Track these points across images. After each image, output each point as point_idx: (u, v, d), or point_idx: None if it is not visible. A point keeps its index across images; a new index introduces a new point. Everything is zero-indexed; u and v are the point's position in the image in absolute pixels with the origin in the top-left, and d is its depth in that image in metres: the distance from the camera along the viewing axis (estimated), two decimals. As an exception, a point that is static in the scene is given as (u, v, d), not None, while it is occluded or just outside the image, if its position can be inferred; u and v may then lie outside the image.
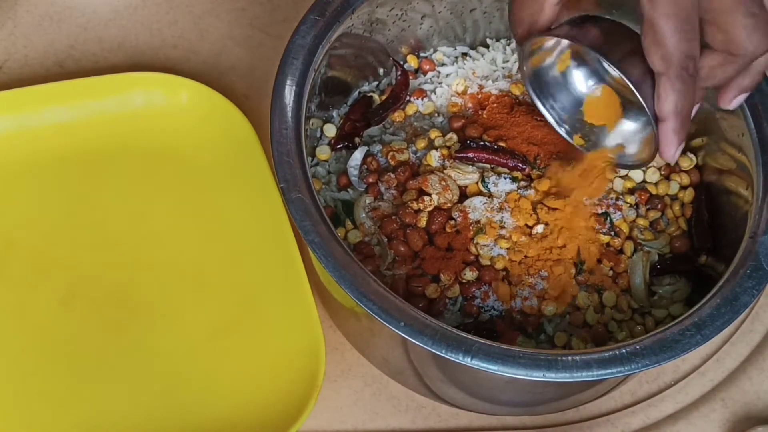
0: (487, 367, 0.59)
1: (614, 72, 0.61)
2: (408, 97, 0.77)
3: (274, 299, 0.72)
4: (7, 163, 0.76)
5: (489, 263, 0.69)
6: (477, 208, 0.70)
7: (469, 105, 0.76)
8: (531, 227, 0.70)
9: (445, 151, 0.72)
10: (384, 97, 0.77)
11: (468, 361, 0.59)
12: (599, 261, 0.70)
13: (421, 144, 0.74)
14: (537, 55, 0.65)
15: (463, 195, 0.71)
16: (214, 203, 0.77)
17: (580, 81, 0.67)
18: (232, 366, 0.71)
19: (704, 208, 0.73)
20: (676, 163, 0.75)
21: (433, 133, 0.74)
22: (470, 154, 0.72)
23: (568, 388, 0.68)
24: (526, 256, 0.69)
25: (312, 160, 0.74)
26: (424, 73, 0.79)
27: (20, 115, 0.77)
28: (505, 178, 0.71)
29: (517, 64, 0.78)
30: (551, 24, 0.62)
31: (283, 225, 0.72)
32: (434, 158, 0.72)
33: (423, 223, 0.70)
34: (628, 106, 0.65)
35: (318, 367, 0.68)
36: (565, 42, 0.64)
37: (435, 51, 0.79)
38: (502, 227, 0.69)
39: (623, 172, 0.73)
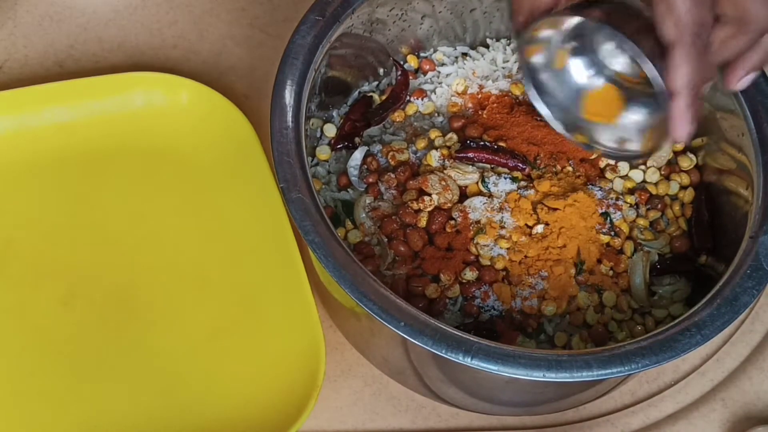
0: (487, 367, 0.59)
1: (618, 61, 0.61)
2: (408, 97, 0.77)
3: (274, 299, 0.72)
4: (7, 163, 0.76)
5: (489, 263, 0.69)
6: (477, 208, 0.70)
7: (469, 105, 0.76)
8: (531, 227, 0.70)
9: (445, 151, 0.72)
10: (384, 97, 0.77)
11: (468, 361, 0.59)
12: (599, 261, 0.70)
13: (421, 144, 0.74)
14: (534, 45, 0.64)
15: (463, 195, 0.71)
16: (214, 203, 0.77)
17: (579, 77, 0.66)
18: (232, 366, 0.71)
19: (704, 208, 0.73)
20: (676, 163, 0.75)
21: (433, 133, 0.74)
22: (470, 154, 0.72)
23: (568, 388, 0.68)
24: (526, 256, 0.69)
25: (312, 160, 0.74)
26: (424, 73, 0.79)
27: (20, 115, 0.77)
28: (505, 178, 0.71)
29: (517, 64, 0.78)
30: (552, 8, 0.61)
31: (283, 225, 0.72)
32: (434, 158, 0.72)
33: (423, 223, 0.70)
34: (630, 99, 0.65)
35: (318, 367, 0.68)
36: (564, 29, 0.63)
37: (435, 51, 0.79)
38: (502, 227, 0.69)
39: (623, 172, 0.73)
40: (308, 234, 0.62)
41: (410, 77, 0.78)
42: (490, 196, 0.71)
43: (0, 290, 0.72)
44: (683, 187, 0.74)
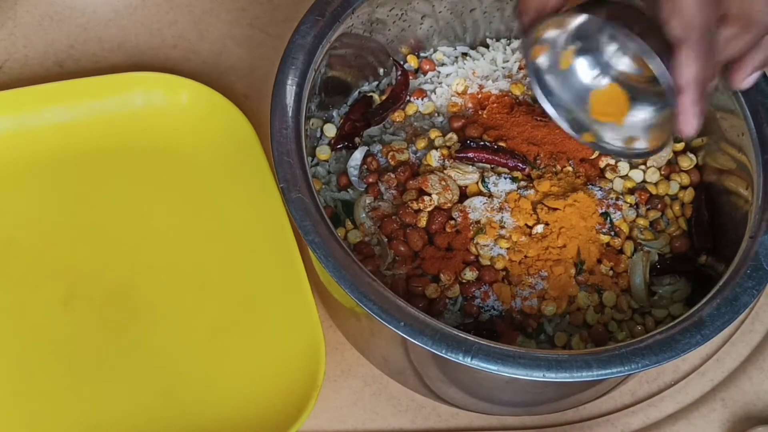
0: (487, 367, 0.59)
1: (622, 61, 0.61)
2: (408, 97, 0.77)
3: (274, 299, 0.72)
4: (7, 163, 0.76)
5: (489, 263, 0.69)
6: (477, 208, 0.70)
7: (469, 105, 0.76)
8: (531, 227, 0.70)
9: (445, 151, 0.72)
10: (384, 97, 0.77)
11: (468, 361, 0.59)
12: (599, 261, 0.70)
13: (421, 144, 0.74)
14: (539, 45, 0.64)
15: (463, 195, 0.71)
16: (214, 203, 0.77)
17: (584, 77, 0.66)
18: (232, 366, 0.71)
19: (704, 208, 0.73)
20: (676, 163, 0.75)
21: (433, 133, 0.74)
22: (470, 154, 0.72)
23: (568, 388, 0.68)
24: (526, 256, 0.69)
25: (312, 160, 0.74)
26: (424, 73, 0.79)
27: (20, 115, 0.77)
28: (505, 178, 0.71)
29: (517, 64, 0.78)
30: (559, 8, 0.62)
31: (283, 225, 0.72)
32: (434, 158, 0.72)
33: (423, 223, 0.70)
34: (636, 98, 0.65)
35: (318, 367, 0.68)
36: (569, 30, 0.63)
37: (435, 51, 0.79)
38: (502, 227, 0.69)
39: (623, 172, 0.73)
40: (308, 234, 0.62)
41: (410, 77, 0.78)
42: (490, 196, 0.71)
43: (0, 290, 0.72)
44: (683, 187, 0.74)
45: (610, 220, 0.71)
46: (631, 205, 0.72)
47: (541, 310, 0.68)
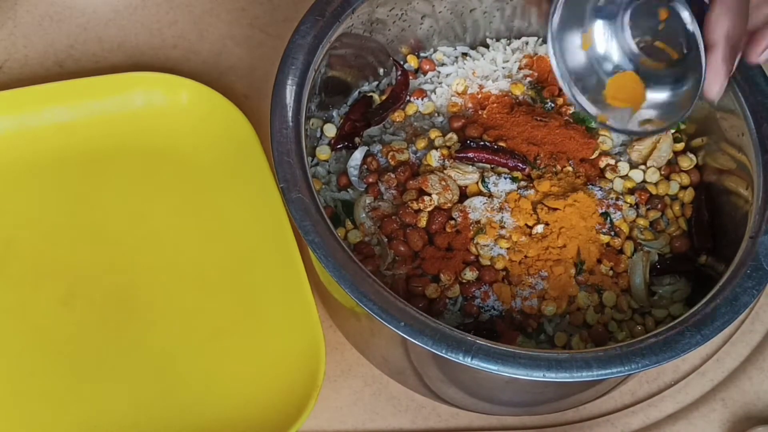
0: (487, 367, 0.59)
1: (644, 37, 0.62)
2: (408, 97, 0.77)
3: (274, 299, 0.72)
4: (7, 163, 0.76)
5: (489, 263, 0.69)
6: (477, 208, 0.70)
7: (469, 105, 0.76)
8: (531, 227, 0.70)
9: (445, 151, 0.72)
10: (384, 97, 0.77)
11: (468, 361, 0.59)
12: (599, 261, 0.70)
13: (421, 144, 0.74)
14: (563, 11, 0.65)
15: (463, 195, 0.71)
16: (214, 203, 0.77)
17: (605, 60, 0.66)
18: (232, 366, 0.71)
19: (704, 208, 0.73)
20: (676, 163, 0.75)
21: (433, 133, 0.74)
22: (470, 154, 0.72)
23: (568, 388, 0.68)
24: (526, 256, 0.69)
25: (312, 160, 0.74)
26: (424, 73, 0.79)
27: (20, 115, 0.77)
28: (505, 178, 0.71)
29: (517, 64, 0.78)
30: None
31: (283, 225, 0.72)
32: (434, 158, 0.72)
33: (423, 223, 0.70)
34: (652, 85, 0.65)
35: (318, 367, 0.68)
36: (592, 8, 0.64)
37: (435, 51, 0.79)
38: (502, 227, 0.69)
39: (623, 172, 0.73)
40: (308, 234, 0.62)
41: (410, 77, 0.78)
42: (490, 196, 0.71)
43: (0, 290, 0.72)
44: (683, 187, 0.74)
45: (610, 220, 0.71)
46: (631, 205, 0.72)
47: (541, 310, 0.68)
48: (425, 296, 0.68)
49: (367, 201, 0.71)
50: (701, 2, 0.60)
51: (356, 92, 0.77)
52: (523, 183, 0.71)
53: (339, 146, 0.75)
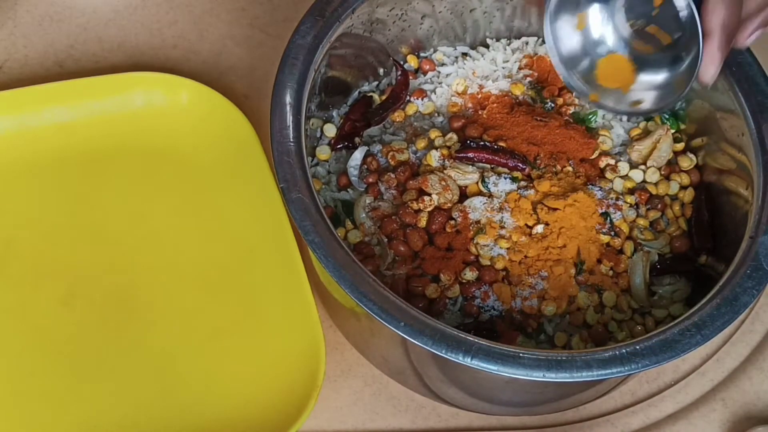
0: (487, 367, 0.59)
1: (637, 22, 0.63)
2: (408, 97, 0.77)
3: (274, 299, 0.72)
4: (7, 163, 0.76)
5: (489, 263, 0.69)
6: (477, 208, 0.70)
7: (469, 105, 0.76)
8: (531, 227, 0.70)
9: (445, 151, 0.72)
10: (384, 97, 0.77)
11: (468, 361, 0.59)
12: (599, 261, 0.70)
13: (421, 144, 0.74)
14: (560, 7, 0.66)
15: (463, 195, 0.71)
16: (214, 203, 0.77)
17: (599, 42, 0.67)
18: (232, 366, 0.71)
19: (704, 208, 0.73)
20: (676, 163, 0.75)
21: (433, 133, 0.74)
22: (470, 154, 0.72)
23: (568, 388, 0.68)
24: (526, 256, 0.69)
25: (312, 160, 0.74)
26: (424, 73, 0.79)
27: (20, 115, 0.77)
28: (505, 178, 0.71)
29: (517, 64, 0.78)
30: None
31: (283, 225, 0.72)
32: (434, 158, 0.72)
33: (423, 223, 0.70)
34: (644, 68, 0.66)
35: (318, 367, 0.68)
36: None
37: (435, 51, 0.79)
38: (502, 227, 0.69)
39: (623, 172, 0.73)
40: (308, 234, 0.62)
41: (410, 77, 0.78)
42: (490, 196, 0.71)
43: (0, 290, 0.72)
44: (683, 187, 0.74)
45: (610, 220, 0.71)
46: (631, 205, 0.72)
47: (541, 310, 0.68)
48: (425, 296, 0.68)
49: (367, 201, 0.71)
50: None
51: (356, 92, 0.77)
52: (523, 183, 0.71)
53: (339, 146, 0.75)
